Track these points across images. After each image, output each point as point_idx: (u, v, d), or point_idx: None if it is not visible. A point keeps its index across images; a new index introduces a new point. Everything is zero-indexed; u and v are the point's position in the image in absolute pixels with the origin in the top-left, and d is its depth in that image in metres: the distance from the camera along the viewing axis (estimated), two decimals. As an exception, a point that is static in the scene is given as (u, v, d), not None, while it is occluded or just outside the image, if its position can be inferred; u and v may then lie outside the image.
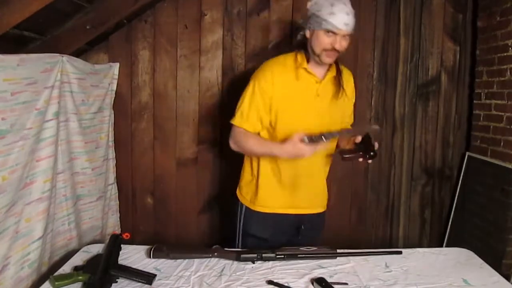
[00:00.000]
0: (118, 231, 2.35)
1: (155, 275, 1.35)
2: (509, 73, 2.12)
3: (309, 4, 1.54)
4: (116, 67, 2.29)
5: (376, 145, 1.44)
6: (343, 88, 1.62)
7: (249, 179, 1.71)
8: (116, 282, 1.32)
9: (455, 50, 2.45)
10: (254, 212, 1.69)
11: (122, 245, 1.53)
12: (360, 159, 1.44)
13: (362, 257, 1.56)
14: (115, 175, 2.35)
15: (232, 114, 1.63)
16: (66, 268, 1.42)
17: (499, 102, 2.20)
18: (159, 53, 2.34)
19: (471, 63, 2.45)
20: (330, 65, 1.60)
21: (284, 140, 1.49)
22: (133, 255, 1.54)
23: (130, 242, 1.60)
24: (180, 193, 2.45)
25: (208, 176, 2.45)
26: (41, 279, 1.51)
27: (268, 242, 1.65)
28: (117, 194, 2.38)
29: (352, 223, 2.53)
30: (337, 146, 1.70)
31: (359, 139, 1.45)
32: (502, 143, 2.18)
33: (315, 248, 1.53)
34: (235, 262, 1.49)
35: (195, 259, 1.50)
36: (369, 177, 2.51)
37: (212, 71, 2.37)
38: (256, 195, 1.67)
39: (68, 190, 1.86)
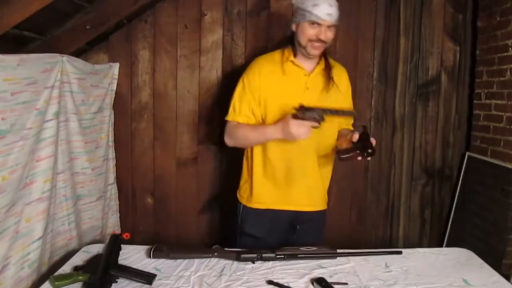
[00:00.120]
0: (118, 231, 2.34)
1: (155, 275, 1.35)
2: (509, 73, 2.12)
3: None
4: (116, 67, 2.29)
5: (373, 141, 1.44)
6: (332, 80, 1.63)
7: (246, 178, 1.74)
8: (116, 282, 1.32)
9: (455, 50, 2.45)
10: (250, 210, 1.71)
11: (122, 245, 1.53)
12: (359, 158, 1.42)
13: (362, 257, 1.56)
14: (115, 175, 2.35)
15: (232, 114, 1.64)
16: (66, 268, 1.42)
17: (499, 102, 2.20)
18: (159, 53, 2.34)
19: (471, 63, 2.45)
20: (320, 58, 1.63)
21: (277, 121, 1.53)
22: (133, 255, 1.54)
23: (130, 242, 1.60)
24: (180, 193, 2.45)
25: (208, 176, 2.45)
26: (41, 279, 1.51)
27: (264, 241, 1.65)
28: (117, 194, 2.38)
29: (352, 223, 2.53)
30: (335, 149, 1.68)
31: (356, 137, 1.45)
32: (502, 143, 2.18)
33: (315, 248, 1.53)
34: (235, 262, 1.49)
35: (195, 259, 1.50)
36: (369, 177, 2.51)
37: (212, 71, 2.37)
38: (252, 192, 1.69)
39: (68, 190, 1.86)
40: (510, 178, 2.08)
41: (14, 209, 1.45)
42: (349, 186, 2.50)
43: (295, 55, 1.62)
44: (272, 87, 1.61)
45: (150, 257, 1.50)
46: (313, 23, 1.50)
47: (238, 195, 1.77)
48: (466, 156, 2.46)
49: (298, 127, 1.44)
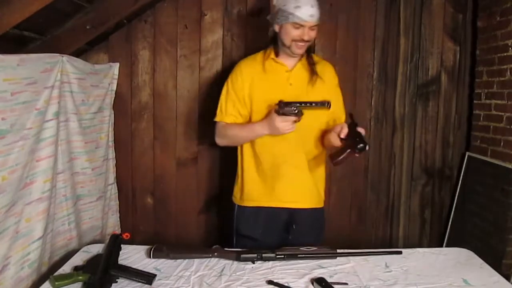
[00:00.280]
0: (118, 231, 2.34)
1: (155, 275, 1.35)
2: (509, 73, 2.12)
3: (274, 0, 1.60)
4: (116, 67, 2.29)
5: (362, 130, 1.44)
6: (316, 73, 1.66)
7: (238, 175, 1.77)
8: (116, 282, 1.32)
9: (455, 50, 2.45)
10: (244, 210, 1.73)
11: (122, 245, 1.53)
12: (351, 155, 1.43)
13: (362, 257, 1.56)
14: (115, 175, 2.35)
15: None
16: (66, 268, 1.42)
17: (499, 102, 2.20)
18: (159, 53, 2.34)
19: (471, 63, 2.45)
20: (301, 55, 1.67)
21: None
22: (133, 255, 1.54)
23: (130, 242, 1.60)
24: (180, 193, 2.45)
25: (208, 176, 2.45)
26: (41, 279, 1.51)
27: (260, 243, 1.65)
28: (117, 194, 2.38)
29: (352, 223, 2.53)
30: (329, 155, 1.62)
31: (345, 132, 1.46)
32: (502, 143, 2.18)
33: (315, 248, 1.53)
34: (235, 262, 1.49)
35: (195, 259, 1.50)
36: (369, 177, 2.51)
37: (212, 71, 2.37)
38: (243, 189, 1.72)
39: (68, 190, 1.86)
40: (510, 178, 2.08)
41: (14, 209, 1.45)
42: (349, 186, 2.50)
43: (277, 54, 1.67)
44: (256, 86, 1.66)
45: (150, 257, 1.50)
46: (296, 24, 1.53)
47: (232, 197, 1.80)
48: (466, 156, 2.46)
49: (282, 122, 1.50)
